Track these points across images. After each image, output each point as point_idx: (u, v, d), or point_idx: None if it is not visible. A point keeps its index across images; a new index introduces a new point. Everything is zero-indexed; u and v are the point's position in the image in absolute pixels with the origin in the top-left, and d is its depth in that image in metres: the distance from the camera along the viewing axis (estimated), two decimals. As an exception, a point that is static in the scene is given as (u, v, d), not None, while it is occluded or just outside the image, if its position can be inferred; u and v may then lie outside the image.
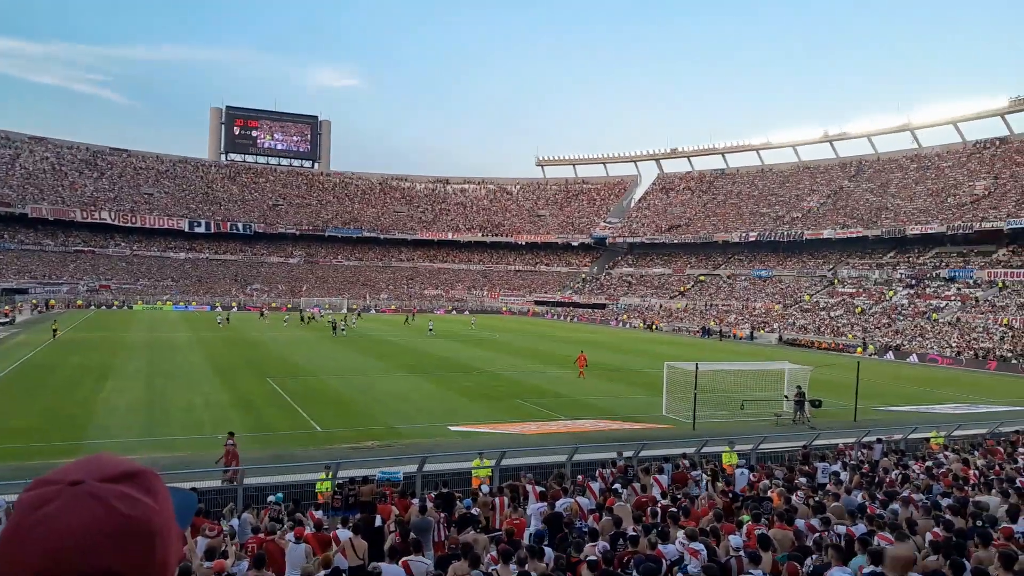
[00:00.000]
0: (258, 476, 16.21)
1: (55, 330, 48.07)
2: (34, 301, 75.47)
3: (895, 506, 11.35)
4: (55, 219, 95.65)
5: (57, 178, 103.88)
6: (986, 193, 76.21)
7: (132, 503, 1.07)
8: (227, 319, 64.48)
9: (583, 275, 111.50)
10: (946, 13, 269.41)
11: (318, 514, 13.14)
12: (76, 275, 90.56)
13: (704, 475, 15.19)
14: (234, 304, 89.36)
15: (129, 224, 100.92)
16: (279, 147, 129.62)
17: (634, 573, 8.25)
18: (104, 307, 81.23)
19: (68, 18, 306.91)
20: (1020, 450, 16.79)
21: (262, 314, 74.40)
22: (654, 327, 79.77)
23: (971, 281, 66.29)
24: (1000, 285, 63.18)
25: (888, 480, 14.29)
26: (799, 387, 27.63)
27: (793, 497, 12.55)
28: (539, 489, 13.64)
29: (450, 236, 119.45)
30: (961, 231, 71.67)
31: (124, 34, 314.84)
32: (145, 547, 1.06)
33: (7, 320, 58.91)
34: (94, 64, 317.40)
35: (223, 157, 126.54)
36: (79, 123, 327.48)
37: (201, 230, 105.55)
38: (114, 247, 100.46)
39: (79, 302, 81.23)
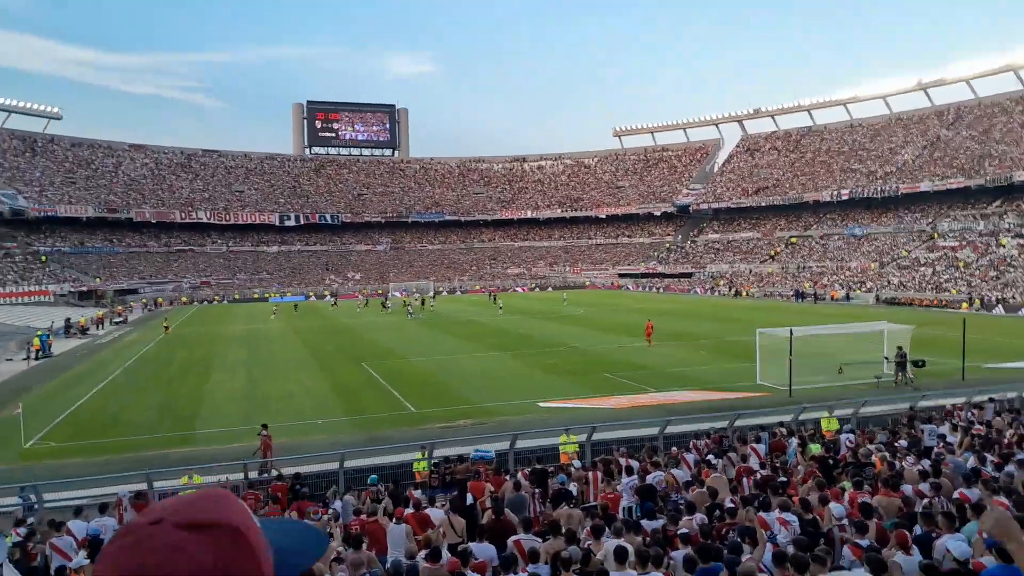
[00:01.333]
0: (357, 459, 16.77)
1: (167, 326, 50.70)
2: (143, 300, 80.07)
3: (1010, 468, 10.76)
4: (157, 221, 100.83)
5: (156, 182, 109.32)
6: (1103, 131, 70.55)
7: (189, 557, 1.05)
8: (335, 302, 67.48)
9: (667, 244, 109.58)
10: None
11: (417, 493, 13.52)
12: (179, 273, 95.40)
13: (795, 442, 14.81)
14: (326, 293, 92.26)
15: (224, 222, 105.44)
16: (360, 138, 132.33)
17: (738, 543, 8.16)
18: (206, 302, 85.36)
19: (156, 30, 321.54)
20: None
21: (367, 303, 74.91)
22: (744, 293, 77.82)
23: (1089, 226, 61.68)
24: (1123, 229, 58.55)
25: (1005, 442, 13.55)
26: (900, 348, 26.46)
27: (898, 463, 12.08)
28: (631, 463, 13.62)
29: (529, 214, 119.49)
30: (1076, 173, 66.72)
31: (207, 41, 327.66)
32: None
33: (121, 319, 62.71)
34: (182, 71, 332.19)
35: (307, 151, 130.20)
36: (172, 128, 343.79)
37: (291, 223, 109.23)
38: (211, 245, 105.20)
39: (184, 299, 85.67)
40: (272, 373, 32.73)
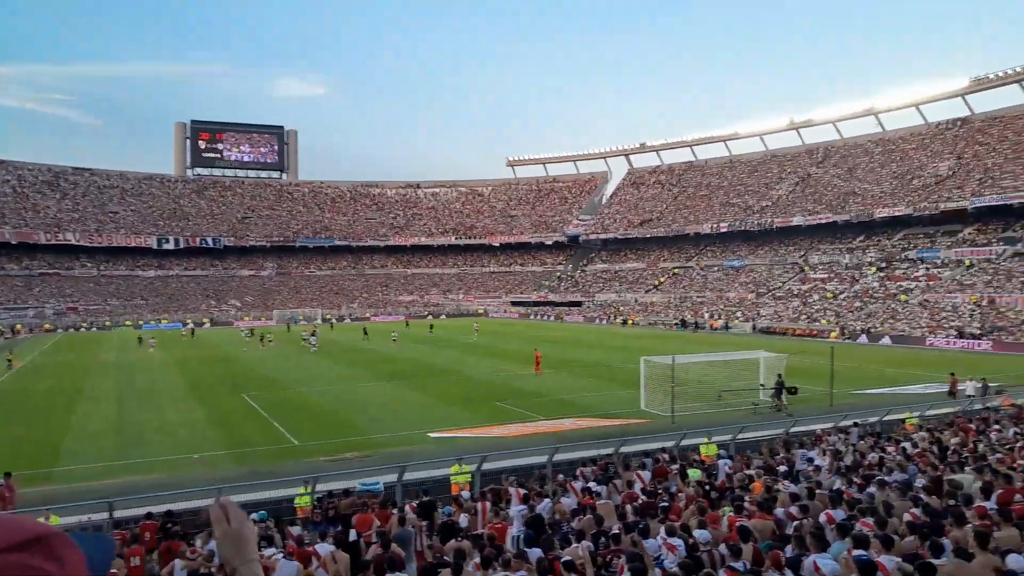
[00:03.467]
0: (236, 494, 15.95)
1: (10, 360, 45.35)
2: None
3: (871, 489, 11.43)
4: (19, 242, 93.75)
5: (19, 200, 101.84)
6: (950, 173, 77.47)
7: (33, 572, 1.02)
8: (251, 332, 64.66)
9: (558, 273, 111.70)
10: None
11: (296, 530, 12.97)
12: (42, 298, 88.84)
13: (676, 469, 15.19)
14: (206, 320, 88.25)
15: (95, 244, 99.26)
16: (246, 159, 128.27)
17: (625, 571, 8.22)
18: (72, 329, 79.83)
19: (26, 38, 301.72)
20: (993, 427, 17.02)
21: (251, 333, 72.36)
22: (630, 322, 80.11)
23: (938, 261, 67.35)
24: (967, 264, 64.24)
25: (866, 463, 14.40)
26: (779, 375, 27.84)
27: (774, 485, 12.60)
28: (521, 491, 13.59)
29: (423, 240, 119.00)
30: (927, 212, 72.76)
31: (82, 52, 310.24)
32: None
33: (-27, 348, 57.67)
34: (54, 84, 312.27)
35: (189, 172, 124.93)
36: (41, 144, 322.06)
37: (170, 246, 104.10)
38: (80, 268, 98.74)
39: (46, 326, 79.76)
40: (146, 404, 30.85)
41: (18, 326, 76.33)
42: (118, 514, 14.49)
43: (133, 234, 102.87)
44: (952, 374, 29.39)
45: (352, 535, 11.39)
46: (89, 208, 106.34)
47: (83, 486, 18.28)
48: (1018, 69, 77.93)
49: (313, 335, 56.09)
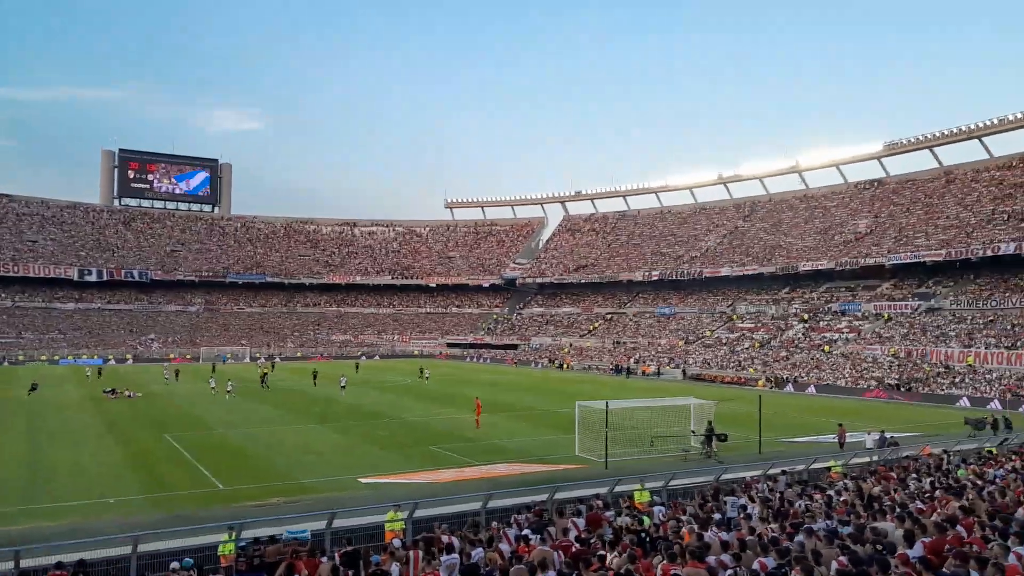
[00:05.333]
0: (155, 541, 15.19)
1: None
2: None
3: (800, 537, 11.66)
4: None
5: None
6: (868, 231, 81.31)
7: None
8: (176, 375, 60.10)
9: (495, 316, 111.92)
10: (827, 62, 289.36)
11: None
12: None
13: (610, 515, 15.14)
14: (128, 357, 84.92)
15: (10, 273, 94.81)
16: (177, 191, 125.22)
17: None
18: (-18, 363, 75.63)
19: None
20: (912, 475, 17.63)
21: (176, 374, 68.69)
22: (565, 366, 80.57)
23: (859, 314, 70.20)
24: (886, 317, 67.13)
25: (793, 511, 14.70)
26: (710, 422, 28.32)
27: (706, 533, 12.72)
28: (454, 540, 13.37)
29: (358, 279, 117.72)
30: (848, 267, 75.99)
31: (6, 74, 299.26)
32: None
33: None
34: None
35: (116, 202, 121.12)
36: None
37: (92, 278, 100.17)
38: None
39: (-47, 359, 75.38)
40: (57, 445, 29.29)
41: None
42: (25, 563, 13.60)
43: (52, 264, 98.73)
44: (840, 425, 29.92)
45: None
46: (5, 236, 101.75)
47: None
48: (927, 136, 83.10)
49: (262, 378, 54.61)
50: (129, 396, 46.13)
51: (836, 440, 29.07)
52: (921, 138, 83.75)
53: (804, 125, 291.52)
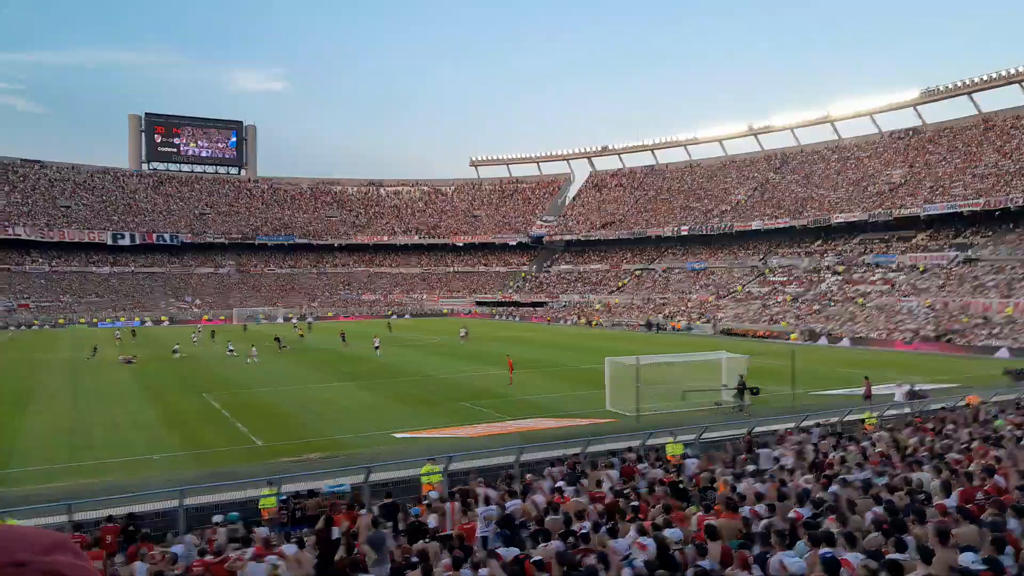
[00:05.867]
0: (199, 496, 15.68)
1: None
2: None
3: (834, 488, 11.67)
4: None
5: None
6: (903, 181, 79.52)
7: (81, 571, 1.08)
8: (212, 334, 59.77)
9: (522, 274, 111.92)
10: (860, 7, 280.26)
11: (262, 531, 12.78)
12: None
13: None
14: (164, 318, 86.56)
15: (47, 239, 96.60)
16: (203, 154, 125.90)
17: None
18: (24, 327, 77.60)
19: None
20: (948, 426, 17.49)
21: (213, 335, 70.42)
22: (594, 323, 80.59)
23: (894, 266, 69.09)
24: (921, 268, 66.00)
25: (827, 462, 14.70)
26: (741, 376, 28.22)
27: (739, 484, 12.78)
28: (489, 492, 13.59)
29: (385, 239, 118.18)
30: (882, 218, 74.57)
31: (34, 39, 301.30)
32: None
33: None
34: (2, 71, 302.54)
35: (145, 166, 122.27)
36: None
37: (125, 242, 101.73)
38: (31, 264, 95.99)
39: (-4, 323, 77.43)
40: (101, 405, 30.13)
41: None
42: (77, 517, 14.12)
43: (86, 229, 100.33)
44: (865, 377, 29.15)
45: (335, 533, 11.26)
46: (39, 202, 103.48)
47: (38, 488, 17.78)
48: (966, 81, 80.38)
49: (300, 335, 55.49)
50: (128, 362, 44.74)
51: (862, 394, 28.49)
52: (959, 84, 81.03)
53: (836, 74, 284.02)
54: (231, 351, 49.17)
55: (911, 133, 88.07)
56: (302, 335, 58.88)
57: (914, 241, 71.84)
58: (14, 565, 1.00)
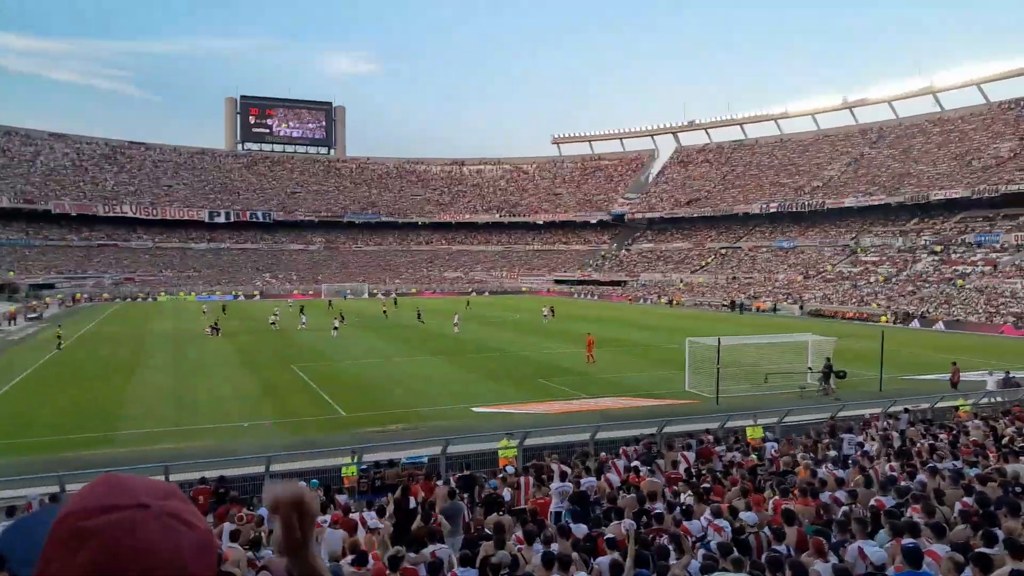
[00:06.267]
0: (286, 463, 16.39)
1: (60, 338, 40.82)
2: (60, 296, 76.59)
3: (922, 477, 11.24)
4: (78, 214, 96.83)
5: (78, 174, 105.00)
6: (1011, 155, 74.66)
7: (196, 515, 1.18)
8: (301, 308, 56.82)
9: (602, 252, 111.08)
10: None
11: (343, 498, 13.28)
12: (101, 269, 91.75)
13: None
14: (255, 293, 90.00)
15: (150, 216, 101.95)
16: (294, 134, 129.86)
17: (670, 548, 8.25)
18: (129, 299, 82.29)
19: (84, 15, 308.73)
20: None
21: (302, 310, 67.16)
22: (675, 303, 79.37)
23: (998, 245, 65.16)
24: (1028, 248, 62.11)
25: (916, 450, 14.14)
26: (828, 358, 27.36)
27: (820, 470, 12.47)
28: (563, 468, 13.70)
29: (467, 218, 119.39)
30: (987, 195, 70.34)
31: (139, 28, 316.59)
32: (215, 554, 1.19)
33: (35, 315, 59.90)
34: (111, 59, 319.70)
35: (240, 147, 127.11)
36: (98, 118, 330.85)
37: (221, 220, 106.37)
38: (137, 240, 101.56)
39: (105, 295, 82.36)
40: (198, 374, 31.76)
41: (78, 295, 78.94)
42: (173, 478, 15.01)
43: (186, 207, 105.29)
44: (953, 363, 27.39)
45: (412, 503, 11.61)
46: (144, 182, 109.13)
47: (140, 450, 18.97)
48: (1090, 46, 74.46)
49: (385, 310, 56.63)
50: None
51: (948, 380, 26.84)
52: (1079, 50, 75.14)
53: (939, 43, 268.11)
54: (303, 324, 50.33)
55: (1022, 104, 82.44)
56: (385, 311, 60.23)
57: (1021, 219, 67.48)
58: (139, 507, 1.12)
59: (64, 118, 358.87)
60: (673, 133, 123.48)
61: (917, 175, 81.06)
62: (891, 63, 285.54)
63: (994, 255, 63.99)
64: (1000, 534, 7.85)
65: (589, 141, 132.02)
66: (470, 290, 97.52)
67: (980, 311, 54.50)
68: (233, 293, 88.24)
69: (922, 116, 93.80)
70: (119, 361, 35.42)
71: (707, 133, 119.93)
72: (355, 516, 10.98)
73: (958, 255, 67.16)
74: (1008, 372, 26.37)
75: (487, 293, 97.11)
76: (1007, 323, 50.69)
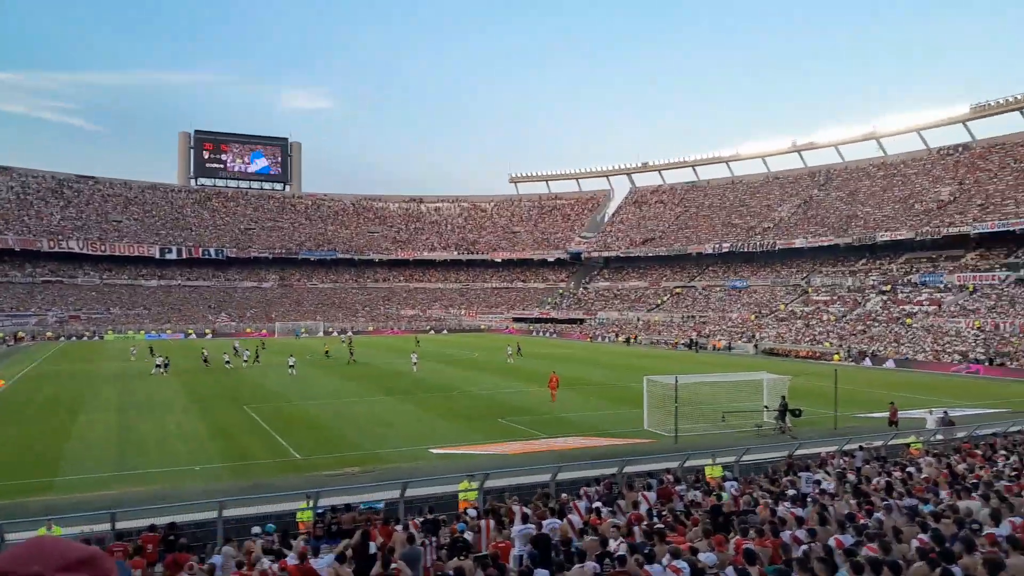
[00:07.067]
0: (238, 507, 15.89)
1: None
2: (1, 335, 73.83)
3: (879, 515, 11.37)
4: (21, 249, 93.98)
5: (23, 208, 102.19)
6: (952, 199, 77.66)
7: None
8: (258, 351, 56.11)
9: (560, 290, 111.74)
10: (908, 24, 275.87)
11: (298, 544, 12.88)
12: (44, 306, 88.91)
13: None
14: (208, 331, 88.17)
15: (98, 252, 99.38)
16: (249, 170, 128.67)
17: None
18: (75, 338, 79.76)
19: (32, 46, 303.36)
20: (1000, 452, 16.93)
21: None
22: (631, 341, 79.98)
23: (942, 286, 67.34)
24: (970, 289, 64.23)
25: (872, 487, 14.33)
26: (783, 397, 27.72)
27: (779, 508, 12.53)
28: (524, 510, 13.52)
29: (425, 255, 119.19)
30: (930, 236, 72.86)
31: (89, 60, 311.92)
32: None
33: (-26, 354, 57.61)
34: (59, 91, 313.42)
35: (192, 182, 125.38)
36: (45, 151, 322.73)
37: (172, 256, 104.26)
38: (83, 276, 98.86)
39: (48, 334, 79.69)
40: (146, 415, 30.77)
41: (19, 333, 76.22)
42: (120, 525, 14.41)
43: (136, 243, 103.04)
44: (892, 403, 27.54)
45: (372, 548, 11.31)
46: (92, 216, 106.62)
47: (84, 496, 18.21)
48: (1019, 96, 78.34)
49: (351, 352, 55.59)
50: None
51: (887, 418, 26.81)
52: (1011, 99, 79.03)
53: (882, 90, 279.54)
54: (291, 368, 47.10)
55: (960, 149, 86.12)
56: (327, 352, 59.07)
57: (963, 260, 69.99)
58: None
59: (8, 150, 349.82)
60: (628, 174, 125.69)
61: (864, 217, 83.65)
62: (837, 109, 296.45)
63: (938, 295, 66.08)
64: (958, 571, 7.95)
65: (546, 180, 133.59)
66: (428, 328, 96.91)
67: (928, 349, 56.03)
68: (184, 332, 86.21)
69: (867, 160, 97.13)
70: (64, 401, 34.15)
71: (660, 175, 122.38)
72: (315, 563, 10.65)
73: (904, 295, 69.20)
74: (946, 411, 26.66)
75: (445, 331, 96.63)
76: (954, 362, 52.15)
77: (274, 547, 11.89)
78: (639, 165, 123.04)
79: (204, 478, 20.55)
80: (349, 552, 11.41)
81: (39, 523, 13.72)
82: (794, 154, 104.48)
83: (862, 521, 10.98)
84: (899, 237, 75.50)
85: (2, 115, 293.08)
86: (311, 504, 15.31)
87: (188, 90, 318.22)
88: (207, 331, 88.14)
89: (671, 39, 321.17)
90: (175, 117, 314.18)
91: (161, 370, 45.86)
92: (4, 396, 36.25)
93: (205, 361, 51.41)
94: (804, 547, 9.87)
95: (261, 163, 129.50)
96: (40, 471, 21.06)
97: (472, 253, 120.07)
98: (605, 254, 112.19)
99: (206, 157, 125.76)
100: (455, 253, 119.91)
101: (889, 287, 71.61)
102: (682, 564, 9.16)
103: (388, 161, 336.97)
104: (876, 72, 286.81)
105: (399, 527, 13.16)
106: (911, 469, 15.75)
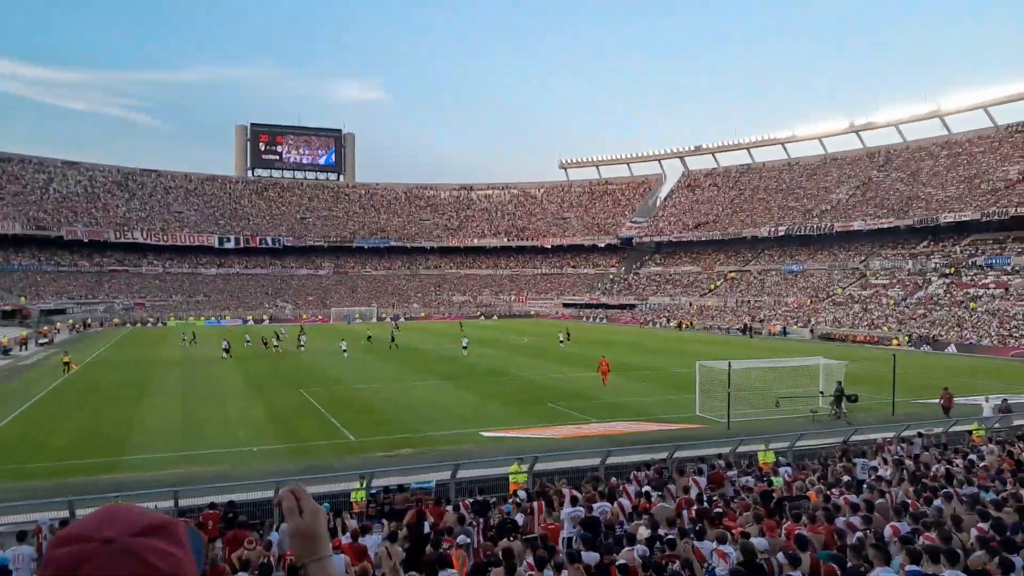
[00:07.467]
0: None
1: (67, 363, 40.47)
2: (71, 321, 76.97)
3: (938, 502, 11.11)
4: (89, 240, 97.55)
5: (90, 200, 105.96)
6: (1020, 178, 74.48)
7: (166, 557, 1.13)
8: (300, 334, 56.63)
9: (611, 276, 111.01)
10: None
11: (352, 523, 13.21)
12: (111, 294, 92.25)
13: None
14: (265, 317, 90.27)
15: (160, 242, 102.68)
16: (304, 161, 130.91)
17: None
18: (139, 324, 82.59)
19: (99, 46, 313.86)
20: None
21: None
22: (683, 326, 79.12)
23: (1009, 267, 64.83)
24: (1039, 271, 61.70)
25: (931, 475, 13.98)
26: (839, 382, 27.17)
27: (833, 495, 12.34)
28: (574, 493, 13.60)
29: (476, 242, 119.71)
30: (996, 217, 70.10)
31: (152, 59, 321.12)
32: None
33: (46, 340, 60.20)
34: (124, 88, 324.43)
35: (249, 173, 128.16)
36: (111, 146, 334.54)
37: (231, 245, 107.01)
38: (147, 265, 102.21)
39: (115, 320, 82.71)
40: (207, 399, 31.78)
41: (88, 320, 79.31)
42: (182, 503, 14.99)
43: (196, 233, 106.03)
44: (945, 388, 26.62)
45: (426, 528, 11.55)
46: (155, 208, 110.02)
47: (149, 475, 18.96)
48: (1097, 68, 74.44)
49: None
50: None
51: (940, 404, 25.97)
52: (1086, 72, 75.15)
53: (946, 66, 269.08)
54: (344, 350, 49.30)
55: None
56: (369, 336, 59.51)
57: (1033, 242, 67.16)
58: (104, 541, 1.10)
59: (77, 146, 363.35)
60: (680, 157, 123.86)
61: (925, 198, 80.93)
62: (897, 87, 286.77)
63: (1005, 278, 63.63)
64: (1018, 561, 7.74)
65: (596, 166, 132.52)
66: (478, 313, 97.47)
67: (993, 334, 54.09)
68: (242, 318, 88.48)
69: (929, 139, 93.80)
70: (129, 386, 35.49)
71: (714, 157, 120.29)
72: (364, 541, 10.92)
73: (969, 278, 66.81)
74: (1006, 398, 25.63)
75: (495, 317, 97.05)
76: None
77: (328, 526, 12.19)
78: (692, 148, 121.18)
79: (262, 459, 21.17)
80: (403, 532, 11.67)
81: (107, 499, 14.36)
82: (852, 135, 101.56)
83: (921, 509, 10.74)
84: (964, 218, 72.83)
85: (70, 113, 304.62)
86: (364, 484, 15.66)
87: (244, 85, 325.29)
88: (264, 317, 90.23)
89: (724, 20, 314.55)
90: (232, 111, 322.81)
91: (226, 355, 47.65)
92: (76, 380, 37.84)
93: (264, 344, 52.97)
94: (858, 534, 9.73)
95: (316, 154, 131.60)
96: (109, 451, 21.97)
97: (522, 239, 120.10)
98: (657, 239, 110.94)
99: (262, 149, 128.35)
100: (505, 240, 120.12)
101: (952, 270, 69.21)
102: (729, 549, 9.12)
103: (439, 150, 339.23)
104: (938, 48, 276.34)
105: (449, 507, 13.39)
106: (973, 456, 15.31)
